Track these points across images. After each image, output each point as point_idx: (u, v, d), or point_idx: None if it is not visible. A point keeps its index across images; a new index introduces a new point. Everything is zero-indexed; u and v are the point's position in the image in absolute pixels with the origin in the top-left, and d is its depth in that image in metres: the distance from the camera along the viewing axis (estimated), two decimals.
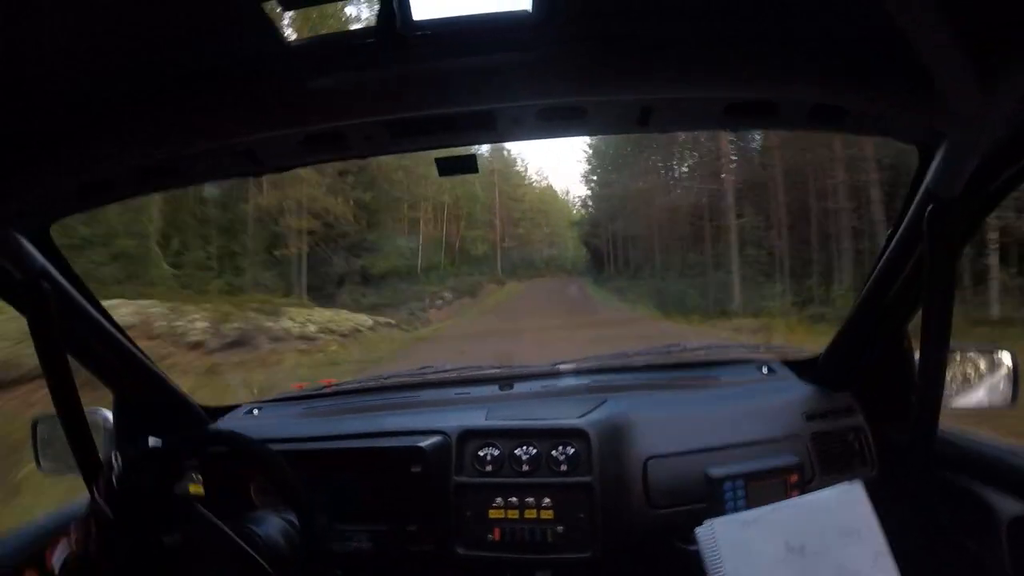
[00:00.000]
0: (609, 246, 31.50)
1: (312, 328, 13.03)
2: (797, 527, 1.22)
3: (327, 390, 2.09)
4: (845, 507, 1.25)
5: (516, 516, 1.54)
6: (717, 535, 1.22)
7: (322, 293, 19.09)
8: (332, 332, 13.31)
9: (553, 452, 1.58)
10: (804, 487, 1.42)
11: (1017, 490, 1.29)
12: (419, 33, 0.93)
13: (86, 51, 0.89)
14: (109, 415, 1.76)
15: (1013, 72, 0.81)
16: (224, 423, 1.95)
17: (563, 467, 1.56)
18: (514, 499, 1.55)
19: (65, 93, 0.97)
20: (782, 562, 1.19)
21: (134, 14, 0.83)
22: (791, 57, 0.93)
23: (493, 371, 2.05)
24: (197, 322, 11.06)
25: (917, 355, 1.33)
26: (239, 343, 11.41)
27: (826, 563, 1.19)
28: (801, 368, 1.86)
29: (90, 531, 1.12)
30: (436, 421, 1.72)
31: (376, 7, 0.90)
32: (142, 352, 1.71)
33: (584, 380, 1.92)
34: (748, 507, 1.34)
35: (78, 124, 1.01)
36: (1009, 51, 0.78)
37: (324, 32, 1.00)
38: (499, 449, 1.61)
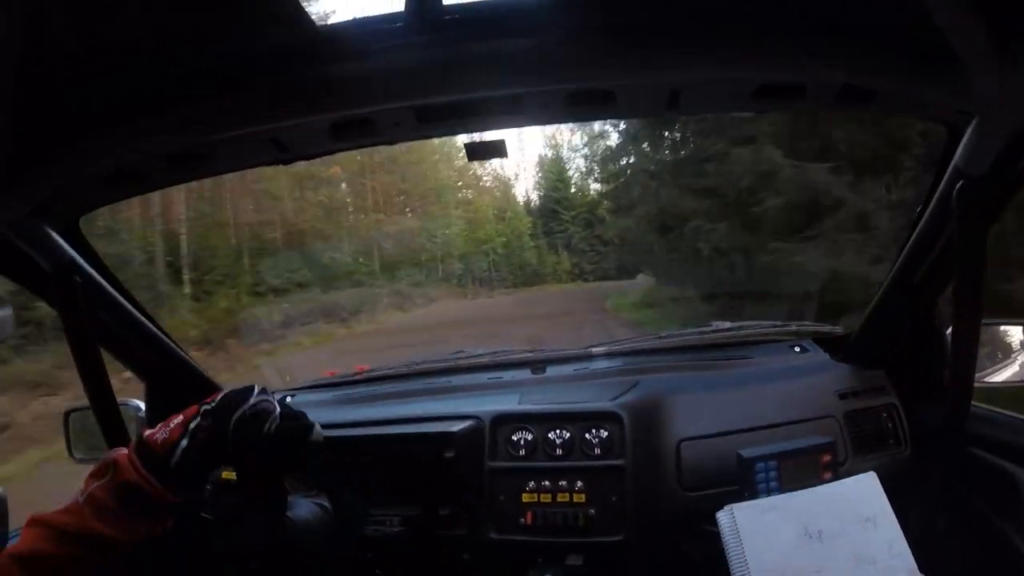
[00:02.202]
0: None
1: None
2: (815, 513, 1.24)
3: (359, 376, 2.09)
4: (861, 495, 1.27)
5: (549, 500, 1.55)
6: (737, 520, 1.24)
7: None
8: None
9: (586, 435, 1.58)
10: (837, 467, 1.42)
11: None
12: (448, 17, 0.92)
13: (113, 42, 0.89)
14: (142, 406, 1.78)
15: None
16: None
17: (596, 450, 1.56)
18: (547, 483, 1.56)
19: (92, 84, 0.97)
20: (800, 547, 1.21)
21: (162, 3, 0.83)
22: (820, 38, 0.92)
23: (525, 355, 2.04)
24: None
25: (949, 332, 1.33)
26: None
27: (843, 548, 1.21)
28: (833, 346, 1.85)
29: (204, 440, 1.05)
30: (469, 406, 1.73)
31: None
32: (174, 342, 1.73)
33: (616, 363, 1.92)
34: (781, 488, 1.35)
35: (105, 115, 1.01)
36: None
37: (352, 17, 0.99)
38: (532, 433, 1.62)
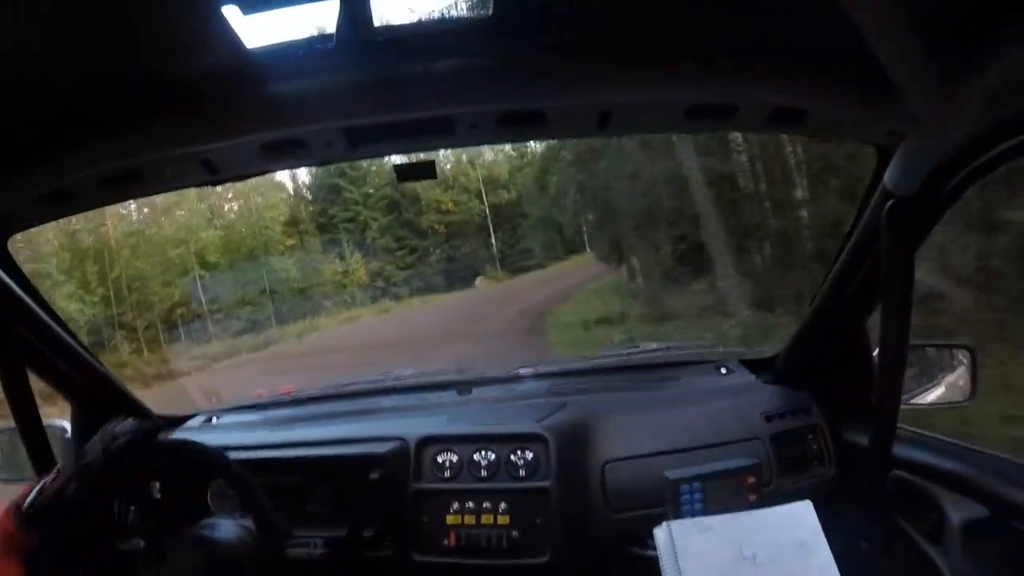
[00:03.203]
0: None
1: None
2: (751, 537, 1.23)
3: (286, 398, 2.07)
4: (797, 522, 1.26)
5: (473, 522, 1.53)
6: (674, 537, 1.23)
7: None
8: None
9: (512, 457, 1.58)
10: (762, 488, 1.41)
11: (970, 492, 1.29)
12: (379, 38, 0.92)
13: (42, 65, 0.87)
14: (67, 426, 1.75)
15: (971, 75, 0.82)
16: (182, 432, 1.92)
17: (521, 472, 1.56)
18: (471, 504, 1.54)
19: (19, 107, 0.95)
20: (735, 568, 1.20)
21: (90, 24, 0.81)
22: (752, 60, 0.93)
23: (452, 376, 2.04)
24: None
25: (876, 353, 1.34)
26: None
27: (776, 573, 1.20)
28: (760, 368, 1.86)
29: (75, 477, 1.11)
30: (395, 427, 1.71)
31: (336, 12, 0.88)
32: (100, 363, 1.70)
33: (543, 384, 1.92)
34: (706, 509, 1.34)
35: (34, 137, 1.00)
36: (968, 54, 0.79)
37: (283, 40, 0.98)
38: (458, 455, 1.61)
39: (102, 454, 1.11)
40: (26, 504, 1.08)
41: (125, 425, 1.17)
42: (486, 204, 16.56)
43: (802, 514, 1.27)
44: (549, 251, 15.17)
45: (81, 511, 1.13)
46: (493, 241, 16.43)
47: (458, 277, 15.72)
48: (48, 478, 1.11)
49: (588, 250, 14.11)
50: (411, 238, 16.33)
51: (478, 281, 15.48)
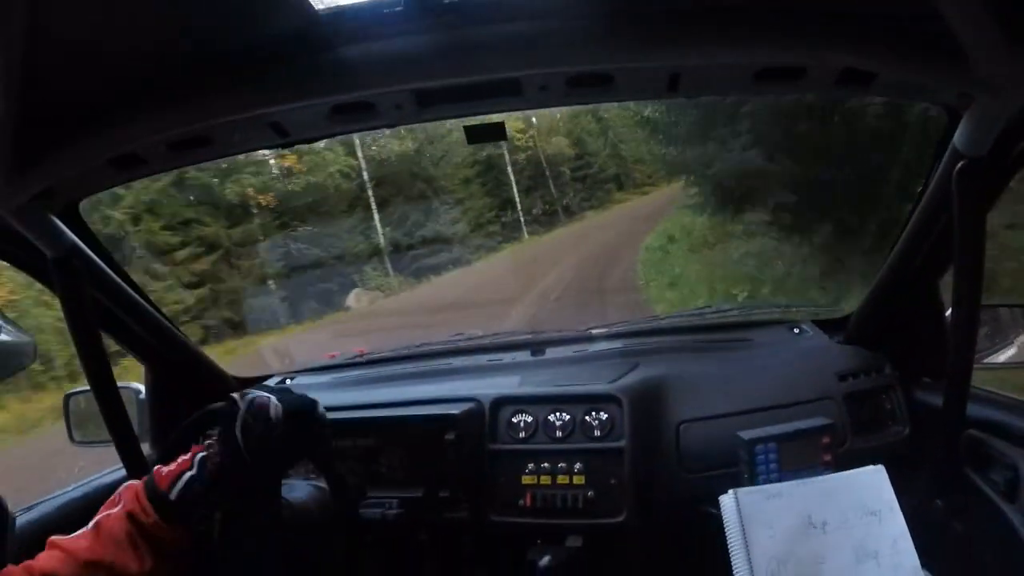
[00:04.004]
0: None
1: None
2: (820, 503, 1.24)
3: (359, 359, 2.10)
4: (868, 489, 1.26)
5: (548, 482, 1.55)
6: (741, 505, 1.24)
7: None
8: None
9: (586, 418, 1.59)
10: (836, 448, 1.42)
11: None
12: (447, 1, 0.92)
13: (114, 30, 0.89)
14: (142, 389, 1.79)
15: None
16: None
17: (596, 432, 1.57)
18: (546, 465, 1.56)
19: (95, 73, 0.97)
20: (803, 536, 1.21)
21: None
22: (821, 22, 0.91)
23: (525, 337, 2.05)
24: None
25: (949, 314, 1.33)
26: None
27: (846, 541, 1.21)
28: (833, 328, 1.85)
29: (220, 468, 1.08)
30: (469, 388, 1.74)
31: None
32: (175, 326, 1.73)
33: (616, 344, 1.92)
34: (781, 470, 1.35)
35: (105, 101, 1.02)
36: None
37: (351, 1, 0.99)
38: (532, 415, 1.63)
39: (254, 436, 1.09)
40: (174, 493, 1.05)
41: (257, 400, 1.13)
42: None
43: (874, 480, 1.27)
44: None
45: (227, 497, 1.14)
46: None
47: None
48: (185, 461, 1.09)
49: None
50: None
51: None
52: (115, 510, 1.04)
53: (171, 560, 1.06)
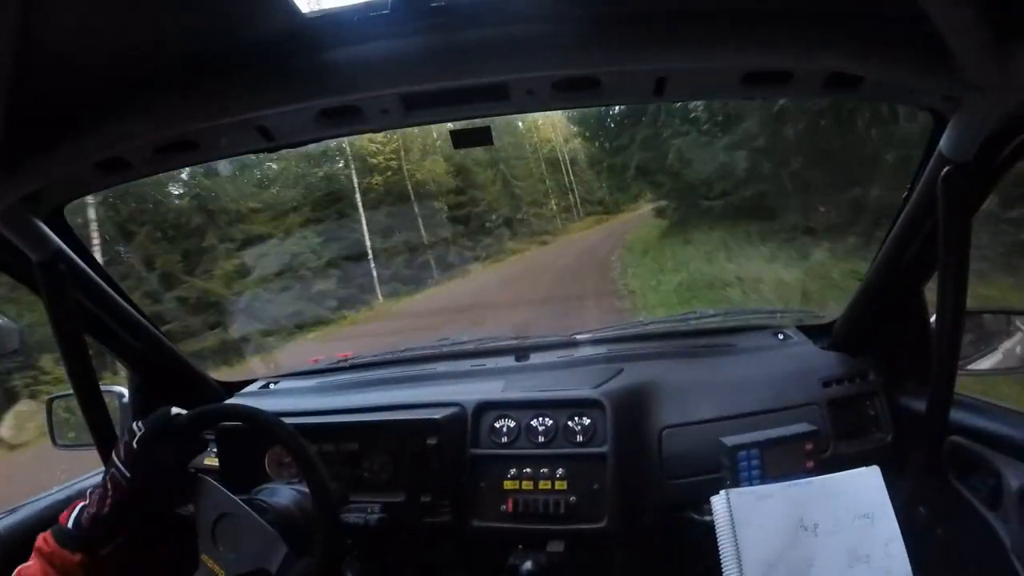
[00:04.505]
0: None
1: None
2: (812, 506, 1.24)
3: (343, 363, 2.10)
4: (861, 490, 1.26)
5: (531, 487, 1.55)
6: (732, 505, 1.24)
7: None
8: None
9: (569, 423, 1.58)
10: (820, 455, 1.42)
11: None
12: (435, 4, 0.92)
13: (101, 33, 0.89)
14: (125, 392, 1.78)
15: None
16: (240, 398, 1.96)
17: (579, 438, 1.56)
18: (529, 470, 1.56)
19: (77, 74, 0.96)
20: (794, 538, 1.21)
21: None
22: (808, 25, 0.91)
23: (509, 342, 2.05)
24: None
25: (933, 320, 1.33)
26: None
27: (838, 544, 1.21)
28: (817, 333, 1.86)
29: (107, 494, 1.16)
30: (452, 393, 1.73)
31: None
32: (159, 330, 1.73)
33: (600, 350, 1.93)
34: (764, 476, 1.35)
35: (91, 104, 1.02)
36: None
37: (338, 4, 0.99)
38: (515, 420, 1.62)
39: (134, 445, 1.19)
40: (70, 522, 1.17)
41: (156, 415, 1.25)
42: None
43: (868, 481, 1.27)
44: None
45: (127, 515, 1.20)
46: None
47: None
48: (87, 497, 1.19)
49: None
50: None
51: None
52: (30, 562, 1.15)
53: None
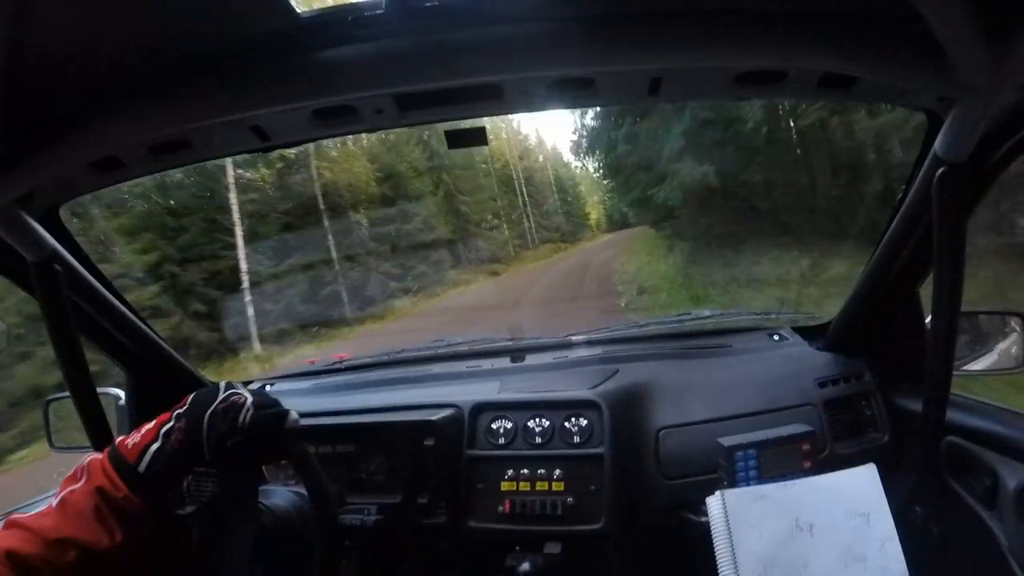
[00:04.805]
0: None
1: None
2: (808, 506, 1.24)
3: (339, 365, 2.10)
4: (857, 489, 1.26)
5: (528, 488, 1.55)
6: (727, 506, 1.24)
7: None
8: None
9: (566, 424, 1.59)
10: (817, 455, 1.42)
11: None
12: (429, 4, 0.92)
13: (96, 33, 0.88)
14: (122, 394, 1.78)
15: (1022, 40, 0.80)
16: None
17: (575, 439, 1.57)
18: (526, 471, 1.56)
19: (72, 74, 0.96)
20: (790, 538, 1.21)
21: None
22: (802, 26, 0.92)
23: (505, 343, 2.05)
24: None
25: (928, 319, 1.34)
26: None
27: (833, 544, 1.21)
28: (813, 334, 1.87)
29: (184, 447, 1.06)
30: (448, 394, 1.73)
31: None
32: (154, 331, 1.72)
33: (596, 351, 1.93)
34: (761, 476, 1.35)
35: (86, 104, 1.01)
36: (1018, 19, 0.78)
37: (332, 4, 0.99)
38: (512, 421, 1.62)
39: (214, 434, 1.08)
40: (143, 466, 1.03)
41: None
42: None
43: (864, 480, 1.27)
44: None
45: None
46: None
47: None
48: (149, 431, 1.07)
49: None
50: None
51: None
52: (79, 485, 1.02)
53: (140, 532, 1.04)
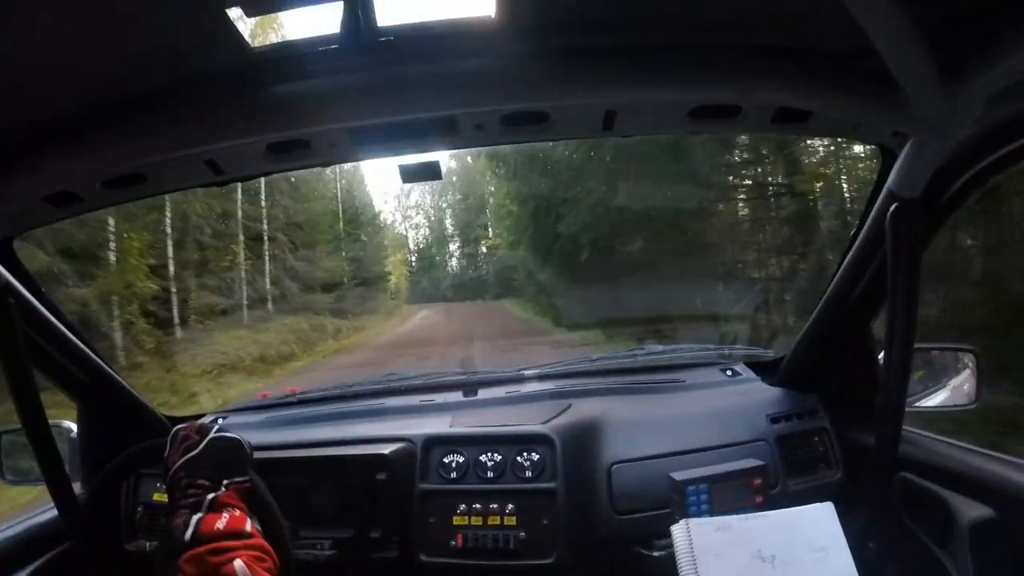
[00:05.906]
0: None
1: None
2: (769, 538, 1.23)
3: (292, 398, 2.07)
4: (817, 525, 1.26)
5: (480, 523, 1.53)
6: (692, 535, 1.23)
7: None
8: None
9: (518, 458, 1.58)
10: (768, 490, 1.42)
11: (976, 494, 1.29)
12: (382, 39, 0.93)
13: (48, 67, 0.88)
14: (73, 427, 1.75)
15: (974, 76, 0.83)
16: None
17: (528, 473, 1.56)
18: (478, 506, 1.54)
19: (24, 108, 0.96)
20: (753, 568, 1.20)
21: (93, 26, 0.82)
22: (756, 61, 0.93)
23: (457, 378, 2.04)
24: None
25: (881, 356, 1.34)
26: None
27: (795, 575, 1.20)
28: (766, 370, 1.87)
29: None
30: (401, 428, 1.71)
31: (340, 13, 0.89)
32: (107, 364, 1.70)
33: (549, 385, 1.92)
34: (712, 511, 1.35)
35: (38, 138, 1.01)
36: (971, 55, 0.81)
37: (286, 39, 0.99)
38: (464, 456, 1.61)
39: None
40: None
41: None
42: None
43: (823, 516, 1.27)
44: None
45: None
46: None
47: None
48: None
49: None
50: None
51: None
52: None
53: None
